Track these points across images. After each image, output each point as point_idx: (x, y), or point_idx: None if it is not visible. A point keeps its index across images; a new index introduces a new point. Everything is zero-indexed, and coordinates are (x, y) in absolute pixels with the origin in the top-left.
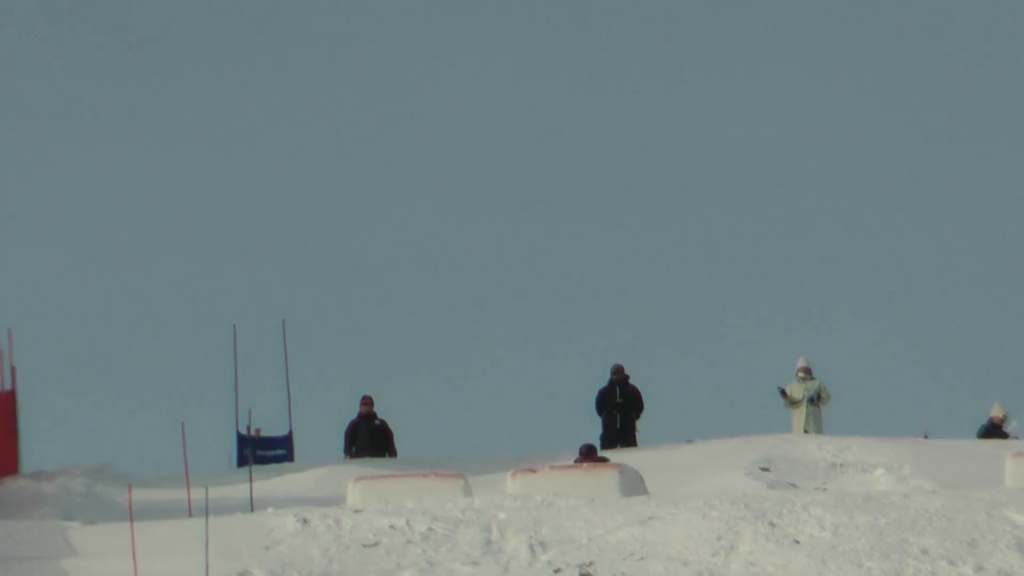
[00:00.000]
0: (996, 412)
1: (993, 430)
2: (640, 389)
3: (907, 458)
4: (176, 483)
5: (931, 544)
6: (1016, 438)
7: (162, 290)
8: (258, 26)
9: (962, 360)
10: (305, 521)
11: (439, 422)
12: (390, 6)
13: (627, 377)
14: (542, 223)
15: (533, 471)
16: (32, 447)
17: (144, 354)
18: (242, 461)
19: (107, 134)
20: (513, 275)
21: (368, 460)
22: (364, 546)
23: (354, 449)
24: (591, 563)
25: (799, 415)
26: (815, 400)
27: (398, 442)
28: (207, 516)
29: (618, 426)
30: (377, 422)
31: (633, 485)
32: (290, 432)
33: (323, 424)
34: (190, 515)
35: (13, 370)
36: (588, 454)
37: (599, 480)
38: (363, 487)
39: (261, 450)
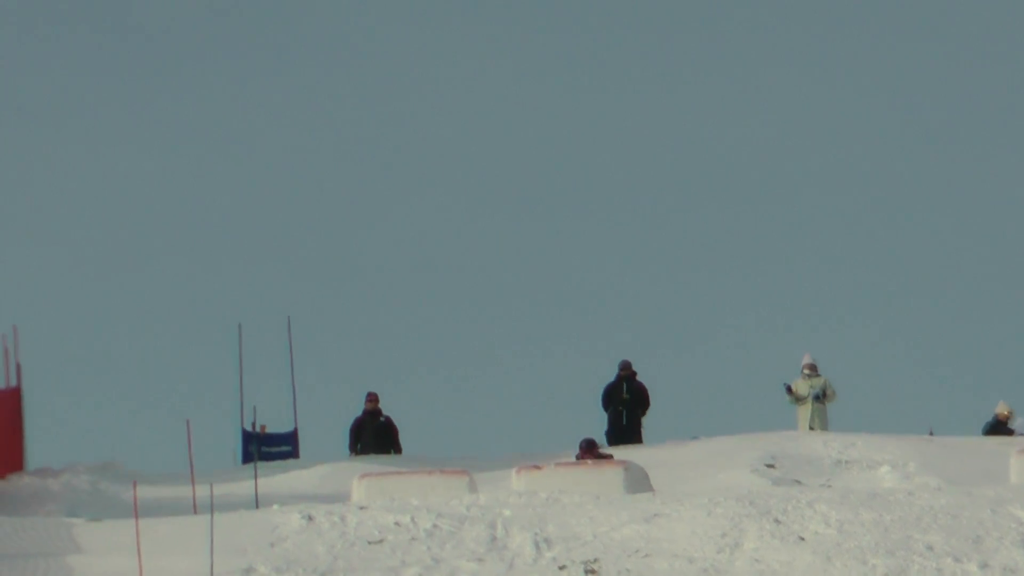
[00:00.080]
0: (1001, 409)
1: (998, 427)
2: (647, 385)
3: (912, 455)
4: (181, 480)
5: (936, 541)
6: (1021, 435)
7: (167, 288)
8: (258, 26)
9: (967, 357)
10: (310, 518)
11: (444, 419)
12: (390, 6)
13: (635, 374)
14: (545, 221)
15: (538, 468)
16: (37, 444)
17: (149, 352)
18: (247, 458)
19: (108, 134)
20: (517, 273)
21: (373, 457)
22: (369, 543)
23: (359, 446)
24: (596, 560)
25: (804, 412)
26: (820, 397)
27: (403, 439)
28: (212, 513)
29: (624, 422)
30: (382, 419)
31: (638, 482)
32: (295, 429)
33: (328, 421)
34: (195, 512)
35: (19, 367)
36: (589, 449)
37: (604, 477)
38: (368, 484)
39: (266, 447)
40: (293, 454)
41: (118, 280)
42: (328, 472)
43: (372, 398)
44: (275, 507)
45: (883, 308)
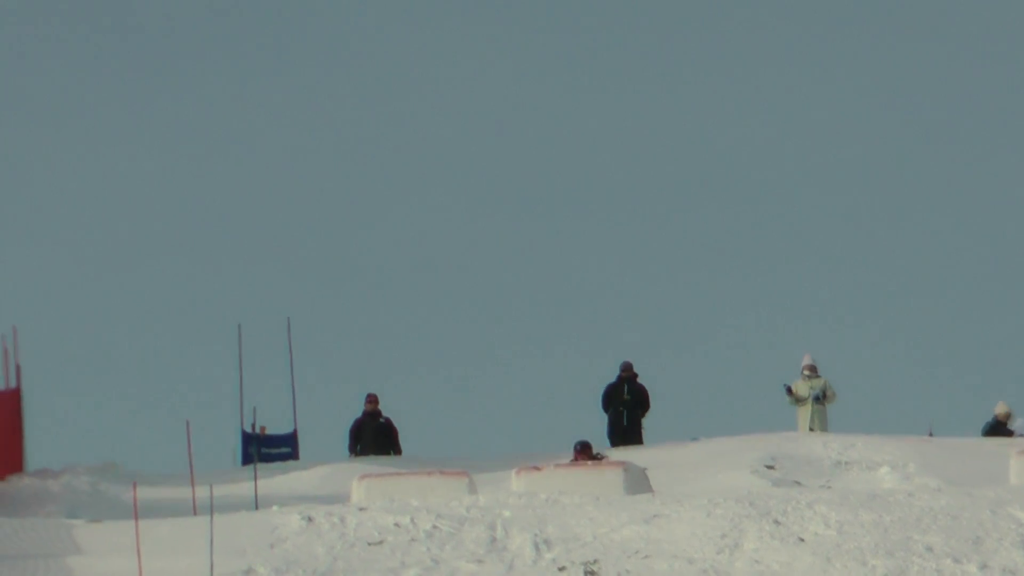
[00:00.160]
0: (1001, 410)
1: (998, 428)
2: (647, 387)
3: (912, 456)
4: (181, 481)
5: (936, 542)
6: (1021, 436)
7: (167, 289)
8: (258, 26)
9: (966, 358)
10: (310, 519)
11: (444, 420)
12: (390, 6)
13: (635, 375)
14: (545, 222)
15: (538, 469)
16: (37, 445)
17: (149, 352)
18: (247, 459)
19: (108, 134)
20: (516, 273)
21: (373, 458)
22: (369, 544)
23: (359, 447)
24: (596, 561)
25: (804, 413)
26: (820, 398)
27: (403, 440)
28: (212, 514)
29: (625, 423)
30: (382, 420)
31: (638, 483)
32: (295, 430)
33: (328, 422)
34: (195, 513)
35: (18, 368)
36: (583, 450)
37: (604, 478)
38: (368, 485)
39: (266, 448)
40: (293, 455)
41: (118, 281)
42: (328, 473)
43: (372, 399)
44: (275, 508)
45: (883, 309)
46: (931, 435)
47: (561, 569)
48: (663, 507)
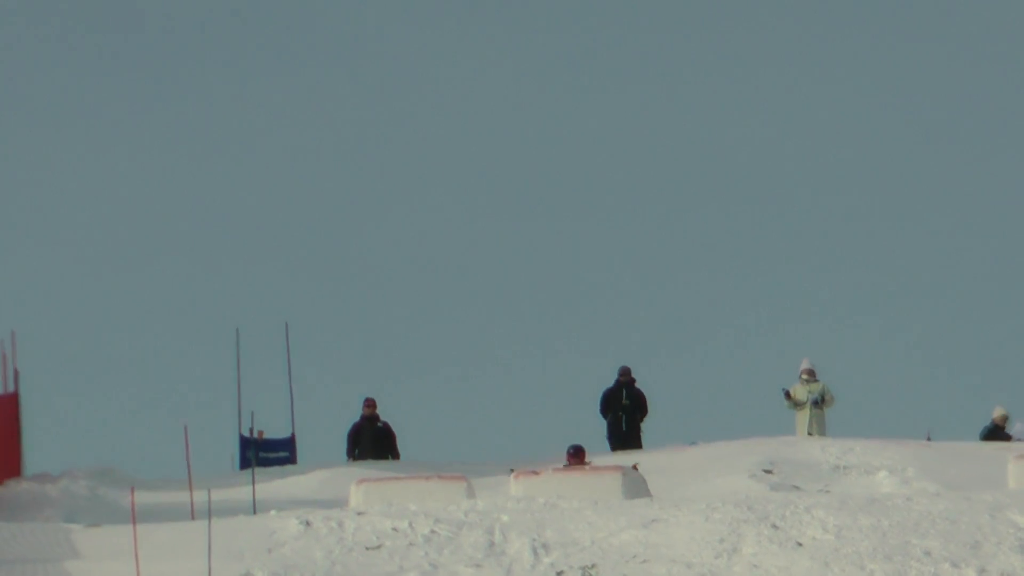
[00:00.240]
0: (998, 414)
1: (996, 432)
2: (645, 393)
3: (910, 460)
4: (179, 485)
5: (934, 546)
6: (1019, 440)
7: (165, 293)
8: (259, 26)
9: (965, 362)
10: (308, 523)
11: (442, 424)
12: (390, 6)
13: (634, 380)
14: (543, 224)
15: (536, 473)
16: (35, 449)
17: (147, 357)
18: (245, 463)
19: (108, 134)
20: (515, 277)
21: (371, 462)
22: (367, 548)
23: (357, 451)
24: (594, 565)
25: (803, 417)
26: (819, 402)
27: (401, 444)
28: (210, 518)
29: (624, 428)
30: (380, 424)
31: (636, 487)
32: (293, 434)
33: (326, 426)
34: (193, 517)
35: (16, 372)
36: (576, 455)
37: (602, 482)
38: (366, 489)
39: (264, 452)
40: (291, 460)
41: (116, 285)
42: (326, 478)
43: (370, 403)
44: (273, 513)
45: (881, 313)
46: (929, 439)
47: (559, 573)
48: (661, 511)
